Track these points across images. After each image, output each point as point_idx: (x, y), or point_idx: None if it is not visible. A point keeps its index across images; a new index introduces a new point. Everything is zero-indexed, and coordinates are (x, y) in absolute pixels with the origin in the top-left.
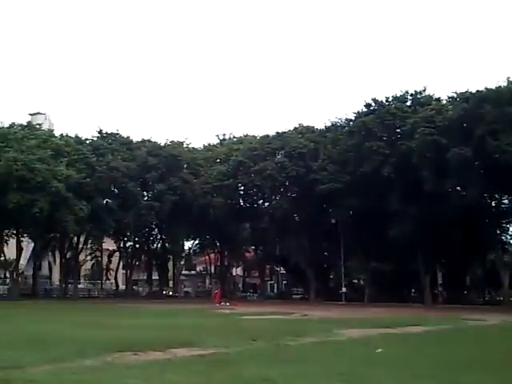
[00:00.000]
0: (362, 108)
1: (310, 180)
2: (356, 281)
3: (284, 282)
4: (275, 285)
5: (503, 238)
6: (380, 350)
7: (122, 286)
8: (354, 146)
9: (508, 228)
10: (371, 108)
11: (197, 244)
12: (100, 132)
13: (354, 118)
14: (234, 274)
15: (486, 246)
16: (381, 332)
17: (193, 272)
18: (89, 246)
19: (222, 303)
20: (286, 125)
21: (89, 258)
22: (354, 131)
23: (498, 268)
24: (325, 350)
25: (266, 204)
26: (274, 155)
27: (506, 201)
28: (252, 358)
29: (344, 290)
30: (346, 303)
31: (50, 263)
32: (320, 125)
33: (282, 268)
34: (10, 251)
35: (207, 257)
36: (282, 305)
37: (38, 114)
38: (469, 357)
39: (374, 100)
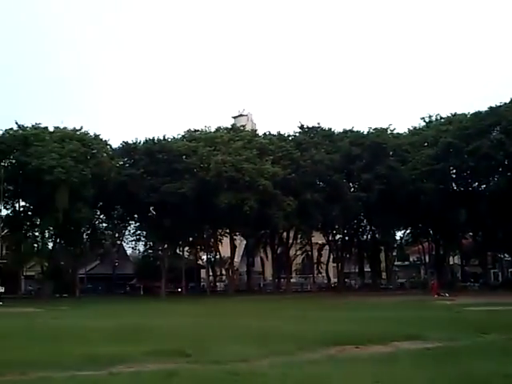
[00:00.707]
0: None
1: None
2: None
3: (510, 270)
4: (499, 273)
5: None
6: None
7: (333, 279)
8: None
9: None
10: None
11: (408, 233)
12: (301, 127)
13: None
14: (451, 262)
15: None
16: None
17: (406, 263)
18: (298, 240)
19: (441, 294)
20: (500, 98)
21: (299, 252)
22: None
23: None
24: None
25: (483, 186)
26: (488, 132)
27: None
28: (483, 351)
29: None
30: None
31: (262, 259)
32: None
33: (506, 255)
34: (224, 250)
35: (420, 246)
36: (508, 295)
37: (241, 115)
38: None
39: None
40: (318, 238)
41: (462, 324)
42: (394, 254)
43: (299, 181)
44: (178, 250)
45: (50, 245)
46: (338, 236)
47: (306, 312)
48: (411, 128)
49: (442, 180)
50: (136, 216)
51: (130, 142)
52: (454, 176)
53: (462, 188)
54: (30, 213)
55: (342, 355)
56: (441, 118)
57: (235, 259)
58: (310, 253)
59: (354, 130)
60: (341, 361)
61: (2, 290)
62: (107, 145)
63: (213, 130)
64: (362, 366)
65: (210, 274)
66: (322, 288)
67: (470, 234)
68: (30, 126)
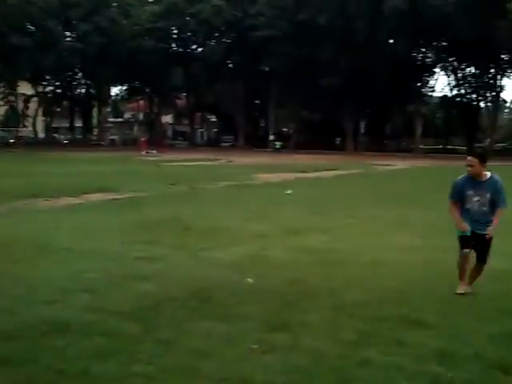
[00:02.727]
0: None
1: (246, 25)
2: (286, 129)
3: (214, 130)
4: (205, 133)
5: (423, 90)
6: (290, 191)
7: (41, 134)
8: None
9: (428, 81)
10: None
11: (125, 90)
12: None
13: None
14: (164, 121)
15: (407, 97)
16: (297, 176)
17: (120, 119)
18: (1, 89)
19: (149, 151)
20: None
21: (1, 103)
22: None
23: (414, 118)
24: (238, 192)
25: (200, 49)
26: None
27: (430, 54)
28: (165, 200)
29: (272, 137)
30: (273, 151)
31: None
32: None
33: (213, 116)
34: None
35: (136, 103)
36: (210, 152)
37: None
38: (365, 195)
39: None
40: (25, 89)
41: (157, 177)
42: (108, 109)
43: (4, 21)
44: None
45: None
46: (49, 88)
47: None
48: None
49: (163, 39)
50: None
51: None
52: (174, 36)
53: (180, 49)
54: None
55: (28, 208)
56: None
57: None
58: (15, 104)
59: None
60: (24, 212)
61: None
62: None
63: None
64: (42, 216)
65: None
66: (29, 143)
67: (184, 94)
68: None
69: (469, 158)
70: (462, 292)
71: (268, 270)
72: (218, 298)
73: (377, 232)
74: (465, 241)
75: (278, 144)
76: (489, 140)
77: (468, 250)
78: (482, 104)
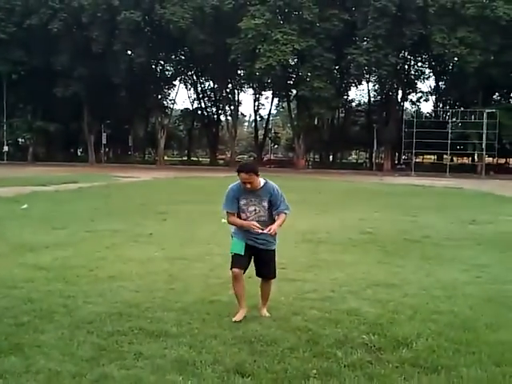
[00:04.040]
0: None
1: None
2: (22, 140)
3: None
4: None
5: (164, 102)
6: (26, 205)
7: None
8: None
9: (169, 93)
10: None
11: None
12: None
13: None
14: None
15: (148, 109)
16: (35, 190)
17: None
18: None
19: None
20: None
21: None
22: None
23: (157, 130)
24: None
25: None
26: None
27: (169, 67)
28: None
29: (6, 148)
30: (8, 162)
31: None
32: None
33: None
34: None
35: None
36: None
37: None
38: (104, 208)
39: None
40: None
41: None
42: None
43: None
44: None
45: None
46: None
47: None
48: None
49: None
50: None
51: None
52: None
53: None
54: None
55: None
56: None
57: None
58: None
59: None
60: None
61: None
62: None
63: None
64: None
65: None
66: None
67: None
68: None
69: (243, 175)
70: (239, 320)
71: (0, 290)
72: None
73: (116, 245)
74: (235, 260)
75: None
76: (230, 152)
77: (238, 271)
78: (222, 117)
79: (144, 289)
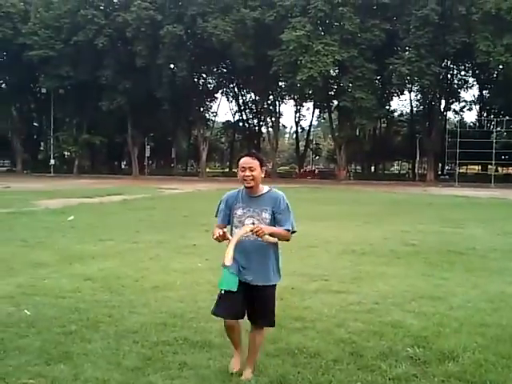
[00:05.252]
0: None
1: (18, 44)
2: (68, 153)
3: None
4: None
5: (206, 115)
6: (72, 217)
7: None
8: (69, 13)
9: (211, 106)
10: None
11: None
12: None
13: None
14: None
15: (191, 121)
16: (81, 201)
17: None
18: None
19: None
20: None
21: None
22: None
23: (199, 142)
24: (16, 220)
25: None
26: None
27: (211, 80)
28: None
29: (53, 161)
30: (55, 175)
31: None
32: None
33: None
34: None
35: None
36: None
37: None
38: (150, 220)
39: None
40: None
41: None
42: None
43: None
44: None
45: None
46: None
47: None
48: None
49: None
50: None
51: None
52: None
53: None
54: None
55: None
56: None
57: None
58: None
59: None
60: None
61: None
62: None
63: None
64: None
65: None
66: None
67: None
68: None
69: (246, 160)
70: (236, 371)
71: (48, 299)
72: None
73: (160, 256)
74: (225, 302)
75: None
76: (271, 163)
77: (232, 322)
78: (263, 129)
79: (188, 299)
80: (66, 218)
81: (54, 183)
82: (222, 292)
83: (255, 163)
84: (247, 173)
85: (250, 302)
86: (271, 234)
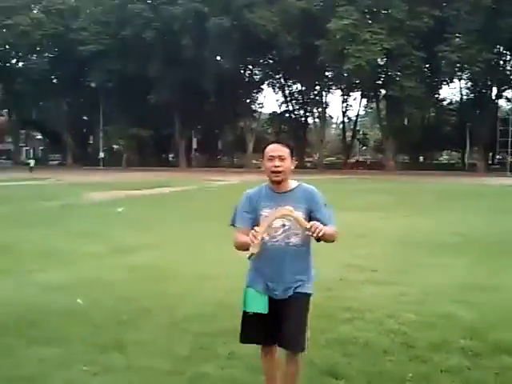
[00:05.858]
0: None
1: (69, 40)
2: (116, 146)
3: (41, 148)
4: (31, 151)
5: (252, 106)
6: (121, 209)
7: None
8: (117, 7)
9: (257, 97)
10: None
11: None
12: None
13: None
14: None
15: (237, 114)
16: (129, 194)
17: None
18: None
19: None
20: None
21: None
22: None
23: (245, 134)
24: (68, 212)
25: (21, 64)
26: (29, 9)
27: (257, 72)
28: None
29: (102, 155)
30: (104, 168)
31: None
32: None
33: (39, 133)
34: None
35: None
36: (37, 171)
37: None
38: (196, 210)
39: None
40: None
41: None
42: None
43: None
44: None
45: None
46: None
47: None
48: None
49: None
50: None
51: None
52: None
53: None
54: None
55: None
56: None
57: None
58: None
59: None
60: None
61: None
62: None
63: None
64: None
65: None
66: None
67: (5, 110)
68: None
69: (276, 146)
70: None
71: (100, 289)
72: (48, 322)
73: (208, 247)
74: (253, 327)
75: (31, 162)
76: (318, 154)
77: (267, 349)
78: (309, 120)
79: (236, 289)
80: (115, 209)
81: (103, 176)
82: (250, 313)
83: (286, 151)
84: (277, 162)
85: (278, 321)
86: (323, 235)
